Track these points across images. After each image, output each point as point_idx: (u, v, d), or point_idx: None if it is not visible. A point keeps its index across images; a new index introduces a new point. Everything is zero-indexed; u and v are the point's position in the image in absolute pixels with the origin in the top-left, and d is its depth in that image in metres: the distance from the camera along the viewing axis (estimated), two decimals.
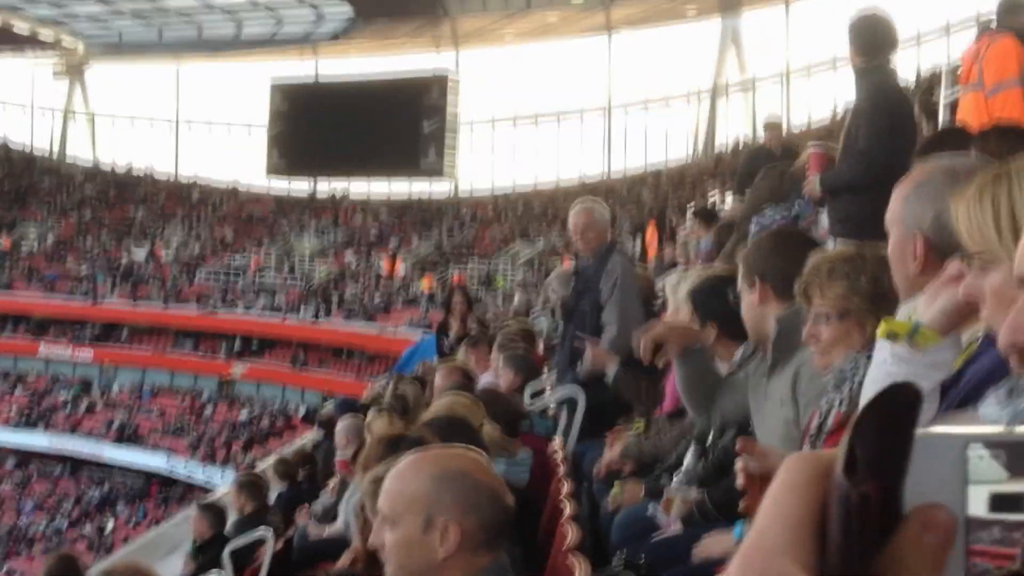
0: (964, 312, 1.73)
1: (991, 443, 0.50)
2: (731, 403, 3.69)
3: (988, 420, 1.66)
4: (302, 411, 36.89)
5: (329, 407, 10.67)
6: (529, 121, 47.36)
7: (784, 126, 14.99)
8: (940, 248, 2.10)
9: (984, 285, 1.57)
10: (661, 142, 43.57)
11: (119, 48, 51.20)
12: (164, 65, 52.32)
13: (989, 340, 1.94)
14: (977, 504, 0.50)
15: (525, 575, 3.46)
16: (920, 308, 1.80)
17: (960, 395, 1.97)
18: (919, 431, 0.50)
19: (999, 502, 0.50)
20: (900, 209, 2.20)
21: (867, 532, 0.49)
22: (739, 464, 2.04)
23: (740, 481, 2.04)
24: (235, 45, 48.78)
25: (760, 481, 2.02)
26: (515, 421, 5.25)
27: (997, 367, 1.88)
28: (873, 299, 2.62)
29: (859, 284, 2.63)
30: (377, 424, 6.93)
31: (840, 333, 2.68)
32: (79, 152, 53.89)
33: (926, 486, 0.50)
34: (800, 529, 0.50)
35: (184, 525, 18.16)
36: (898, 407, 0.51)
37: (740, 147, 36.39)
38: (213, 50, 49.85)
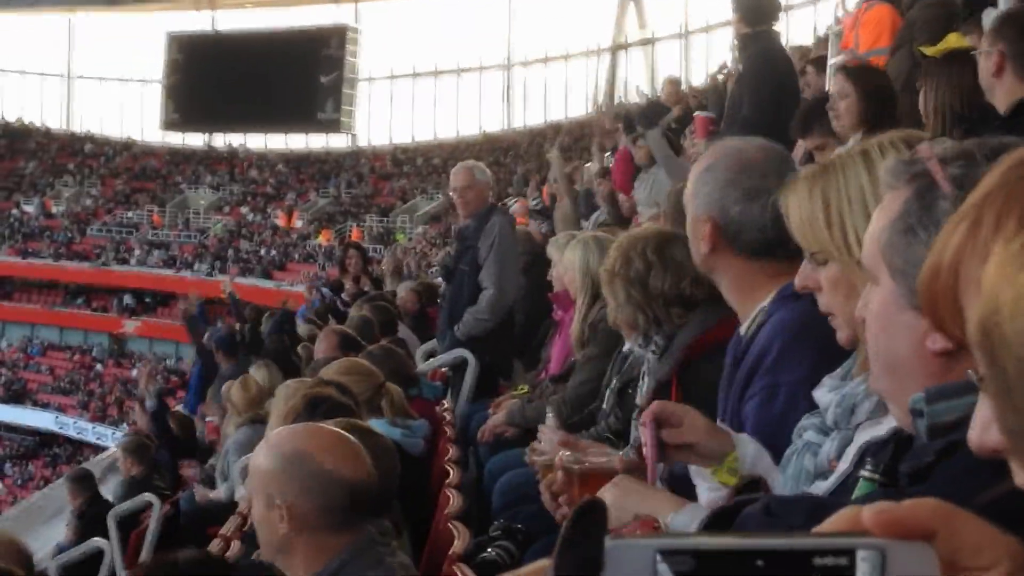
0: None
1: (680, 551, 0.53)
2: None
3: (821, 404, 1.74)
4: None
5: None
6: (429, 75, 46.93)
7: (683, 83, 15.13)
8: (726, 232, 2.20)
9: (820, 276, 1.63)
10: (561, 98, 43.60)
11: None
12: (57, 15, 50.60)
13: (780, 299, 2.03)
14: None
15: (412, 543, 3.45)
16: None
17: (748, 363, 2.09)
18: (614, 541, 0.53)
19: None
20: (692, 189, 2.27)
21: None
22: (557, 460, 2.09)
23: (559, 477, 2.09)
24: None
25: (578, 478, 2.07)
26: (406, 384, 5.19)
27: (784, 326, 1.98)
28: (644, 286, 2.74)
29: (631, 271, 2.75)
30: (259, 375, 6.91)
31: (629, 317, 2.77)
32: None
33: None
34: None
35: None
36: (588, 523, 0.54)
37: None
38: (108, 1, 48.29)
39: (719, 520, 1.55)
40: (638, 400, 2.86)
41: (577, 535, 0.56)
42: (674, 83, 10.40)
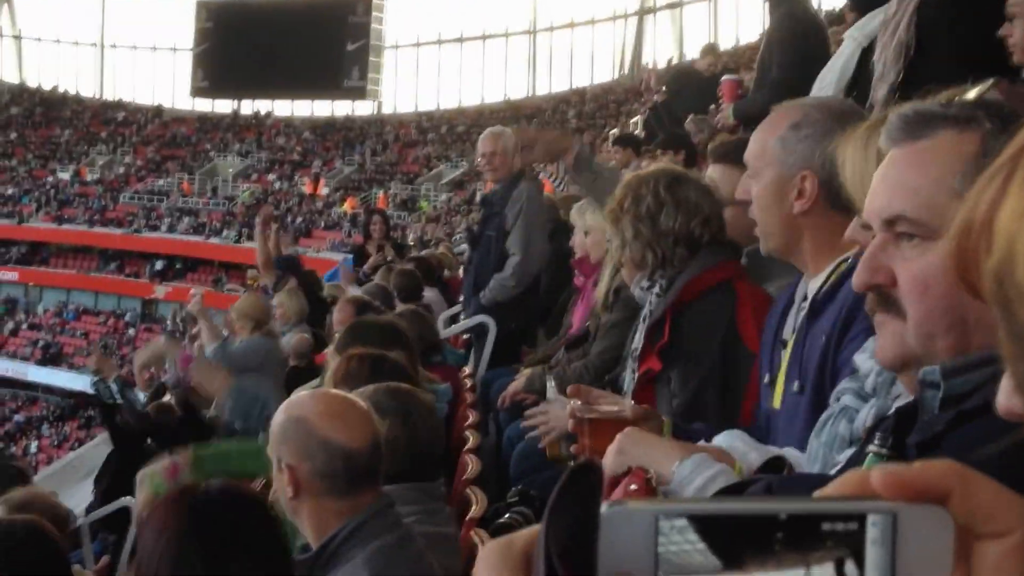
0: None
1: (680, 515, 0.51)
2: None
3: (862, 369, 1.68)
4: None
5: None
6: (454, 42, 46.78)
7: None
8: (830, 187, 2.07)
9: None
10: (586, 63, 43.35)
11: None
12: None
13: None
14: None
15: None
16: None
17: (839, 309, 1.99)
18: (612, 507, 0.52)
19: None
20: (778, 148, 2.14)
21: None
22: (568, 408, 2.05)
23: (569, 426, 2.05)
24: None
25: (589, 426, 2.03)
26: (430, 351, 5.14)
27: None
28: (654, 223, 2.68)
29: (642, 207, 2.69)
30: (288, 299, 7.08)
31: (636, 255, 2.71)
32: (5, 72, 52.50)
33: (620, 558, 0.51)
34: None
35: (103, 447, 17.98)
36: (581, 487, 0.53)
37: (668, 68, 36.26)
38: None
39: None
40: (635, 343, 2.81)
41: (569, 499, 0.53)
42: (711, 52, 9.73)
